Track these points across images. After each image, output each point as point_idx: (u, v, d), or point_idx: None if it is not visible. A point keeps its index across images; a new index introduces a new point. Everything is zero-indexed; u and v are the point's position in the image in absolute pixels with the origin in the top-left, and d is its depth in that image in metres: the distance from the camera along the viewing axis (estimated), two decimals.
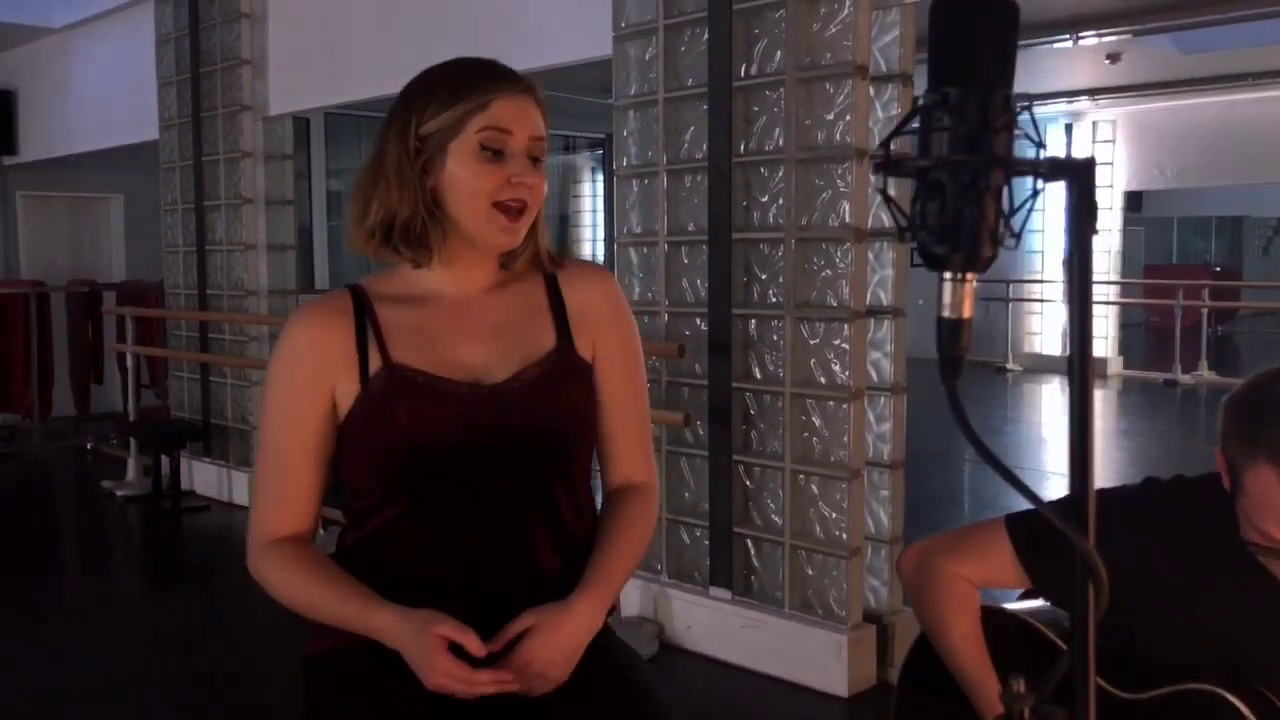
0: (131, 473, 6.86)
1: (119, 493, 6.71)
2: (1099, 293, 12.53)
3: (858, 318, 3.60)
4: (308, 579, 1.42)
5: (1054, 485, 6.01)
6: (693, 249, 3.95)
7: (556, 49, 4.50)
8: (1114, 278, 12.72)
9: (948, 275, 0.72)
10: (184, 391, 6.95)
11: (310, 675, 1.48)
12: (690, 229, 3.96)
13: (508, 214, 1.43)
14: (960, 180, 0.69)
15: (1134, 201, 13.91)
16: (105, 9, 7.60)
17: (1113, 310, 12.36)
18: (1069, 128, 12.41)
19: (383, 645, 1.39)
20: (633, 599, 4.09)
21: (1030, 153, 0.71)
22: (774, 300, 3.76)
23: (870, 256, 3.70)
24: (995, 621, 1.62)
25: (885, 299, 3.70)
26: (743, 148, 3.80)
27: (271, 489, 1.46)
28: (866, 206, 3.61)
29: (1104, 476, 1.58)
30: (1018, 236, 0.70)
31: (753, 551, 3.87)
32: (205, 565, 5.65)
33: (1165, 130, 11.98)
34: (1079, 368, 0.69)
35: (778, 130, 3.70)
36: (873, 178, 0.74)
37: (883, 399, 3.72)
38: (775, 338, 3.77)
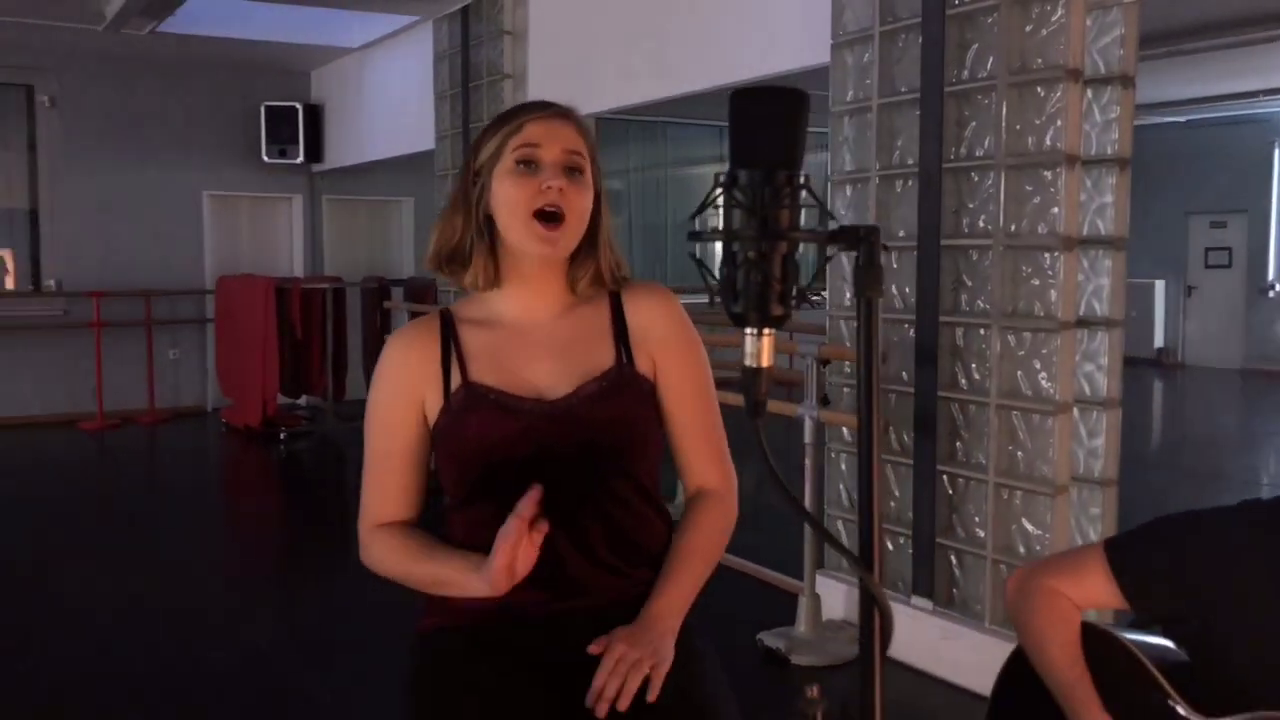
0: None
1: None
2: None
3: (1066, 328, 3.49)
4: (407, 553, 1.61)
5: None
6: (902, 255, 3.94)
7: (781, 57, 4.59)
8: None
9: (749, 331, 0.79)
10: None
11: (416, 649, 1.67)
12: (900, 235, 3.95)
13: (545, 222, 1.55)
14: (747, 251, 0.75)
15: None
16: (394, 29, 8.32)
17: None
18: None
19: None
20: (836, 602, 4.13)
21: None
22: (982, 308, 3.70)
23: (1086, 264, 3.57)
24: (1101, 645, 1.60)
25: (1100, 309, 3.56)
26: (953, 153, 3.75)
27: (375, 487, 1.66)
28: (1078, 213, 3.49)
29: None
30: (807, 299, 0.76)
31: (955, 563, 3.82)
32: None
33: None
34: (864, 410, 0.75)
35: (988, 135, 3.64)
36: (688, 244, 0.77)
37: (1095, 413, 3.58)
38: (982, 346, 3.71)
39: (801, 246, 0.75)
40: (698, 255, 0.77)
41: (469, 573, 1.52)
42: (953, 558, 3.83)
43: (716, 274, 0.77)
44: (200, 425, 9.63)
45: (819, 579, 4.06)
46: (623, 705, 1.43)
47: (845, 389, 4.22)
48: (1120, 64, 3.43)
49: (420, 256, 10.06)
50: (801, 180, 0.77)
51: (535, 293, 1.64)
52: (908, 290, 3.92)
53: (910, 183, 3.90)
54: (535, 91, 6.58)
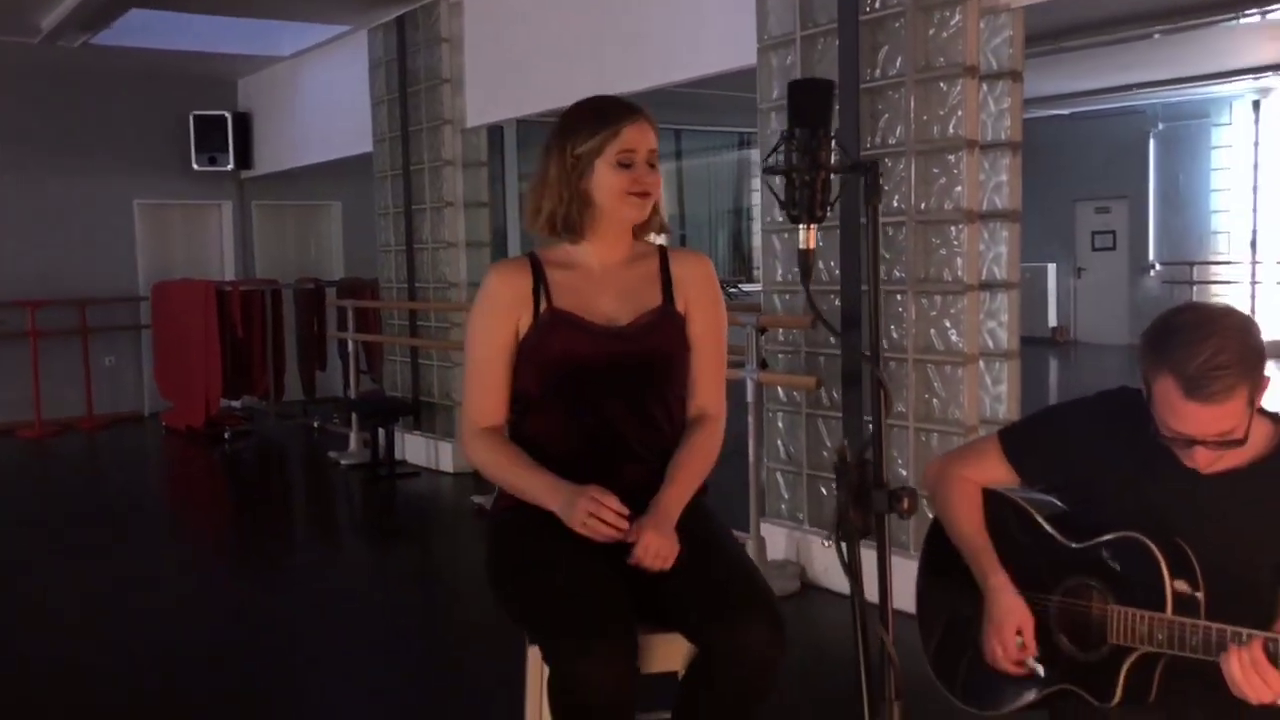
0: (353, 444, 7.85)
1: (342, 462, 7.70)
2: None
3: (971, 290, 4.04)
4: (507, 461, 2.07)
5: None
6: (827, 233, 4.45)
7: (710, 60, 5.09)
8: None
9: (802, 226, 1.26)
10: (397, 373, 7.88)
11: (493, 526, 2.13)
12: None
13: (638, 198, 2.08)
14: (803, 176, 1.23)
15: None
16: (326, 38, 8.62)
17: None
18: (1256, 104, 12.11)
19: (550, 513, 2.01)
20: (778, 544, 4.63)
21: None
22: (898, 276, 4.23)
23: (985, 236, 4.12)
24: (1000, 504, 2.08)
25: (999, 274, 4.11)
26: (869, 142, 4.28)
27: (477, 389, 2.11)
28: (979, 191, 4.04)
29: None
30: (825, 205, 1.23)
31: None
32: (418, 522, 6.51)
33: None
34: (871, 312, 1.21)
35: (899, 126, 4.17)
36: (761, 176, 1.11)
37: (998, 363, 4.13)
38: (900, 310, 4.24)
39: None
40: (769, 184, 1.22)
41: (555, 499, 1.98)
42: None
43: (780, 193, 1.24)
44: (140, 430, 9.80)
45: (763, 525, 4.56)
46: (656, 568, 1.94)
47: (780, 355, 4.72)
48: (1010, 61, 3.99)
49: (357, 258, 10.38)
50: (831, 133, 1.23)
51: (610, 246, 2.14)
52: (833, 264, 4.44)
53: None
54: (474, 95, 6.98)
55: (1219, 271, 12.85)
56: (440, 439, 7.35)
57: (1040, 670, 1.86)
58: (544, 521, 2.00)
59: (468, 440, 2.12)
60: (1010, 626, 1.84)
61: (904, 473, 4.25)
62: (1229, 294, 12.54)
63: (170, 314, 9.48)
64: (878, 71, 4.23)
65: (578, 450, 2.06)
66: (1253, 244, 12.58)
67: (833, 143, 1.22)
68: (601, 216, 2.10)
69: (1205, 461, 1.73)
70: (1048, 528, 1.95)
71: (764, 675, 1.85)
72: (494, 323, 2.10)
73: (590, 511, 1.92)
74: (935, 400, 4.15)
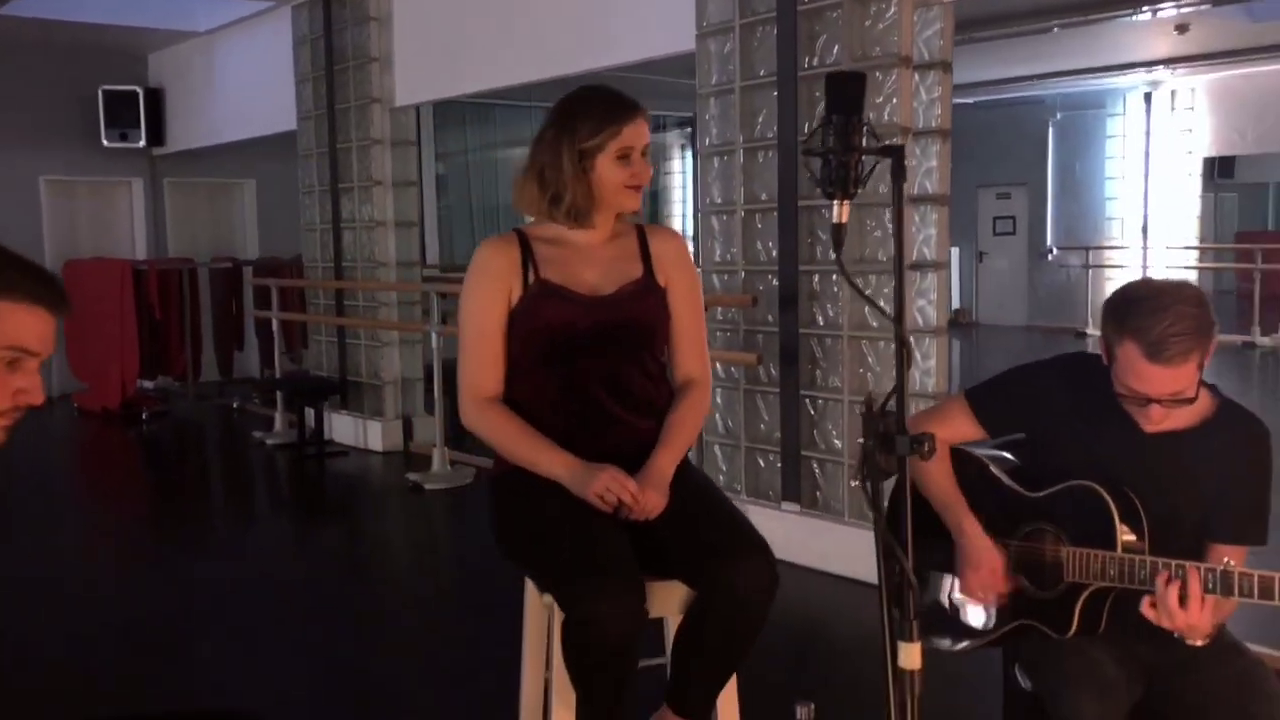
0: (278, 424, 7.82)
1: (268, 442, 7.68)
2: (1181, 258, 12.88)
3: (904, 270, 4.25)
4: (515, 432, 2.18)
5: None
6: (765, 216, 4.64)
7: (648, 45, 5.22)
8: (1196, 243, 12.98)
9: (835, 201, 1.43)
10: (322, 353, 7.87)
11: (496, 488, 2.24)
12: (763, 198, 4.65)
13: (633, 190, 2.24)
14: (840, 157, 1.39)
15: (1225, 168, 14.04)
16: (246, 14, 8.52)
17: (1192, 275, 12.61)
18: (1147, 96, 12.71)
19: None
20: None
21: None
22: (834, 257, 4.42)
23: (916, 219, 4.34)
24: (964, 460, 2.28)
25: (929, 255, 4.35)
26: (807, 128, 4.46)
27: (474, 360, 2.22)
28: (911, 176, 4.25)
29: None
30: (858, 182, 1.40)
31: (817, 471, 4.56)
32: (350, 500, 6.56)
33: (1245, 95, 12.20)
34: (897, 286, 1.38)
35: None
36: (802, 156, 1.24)
37: (927, 339, 4.37)
38: (835, 290, 4.45)
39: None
40: (808, 164, 1.39)
41: (566, 472, 2.11)
42: (815, 467, 4.57)
43: (817, 173, 1.41)
44: (50, 412, 9.57)
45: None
46: (641, 519, 2.10)
47: (719, 333, 4.90)
48: (940, 52, 4.21)
49: (273, 237, 10.27)
50: (865, 121, 1.39)
51: (600, 229, 2.28)
52: (771, 245, 4.63)
53: (770, 154, 4.60)
54: (404, 75, 7.00)
55: (1112, 256, 13.44)
56: (369, 418, 7.38)
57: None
58: (544, 481, 2.13)
59: (469, 410, 2.23)
60: (986, 565, 2.04)
61: (838, 443, 4.47)
62: (1122, 277, 13.13)
63: (83, 293, 9.26)
64: (815, 60, 4.42)
65: (564, 411, 2.19)
66: (1144, 229, 13.20)
67: (864, 128, 1.38)
68: (601, 205, 2.24)
69: (1158, 417, 1.94)
70: (1007, 480, 2.15)
71: (759, 611, 2.01)
72: (489, 295, 2.21)
73: (609, 488, 2.06)
74: (870, 375, 4.37)
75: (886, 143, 1.41)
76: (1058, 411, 2.10)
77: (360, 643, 4.00)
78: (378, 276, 7.26)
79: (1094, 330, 12.93)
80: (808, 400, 4.57)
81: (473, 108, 12.57)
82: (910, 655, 1.39)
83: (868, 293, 4.30)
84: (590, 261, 2.26)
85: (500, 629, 3.96)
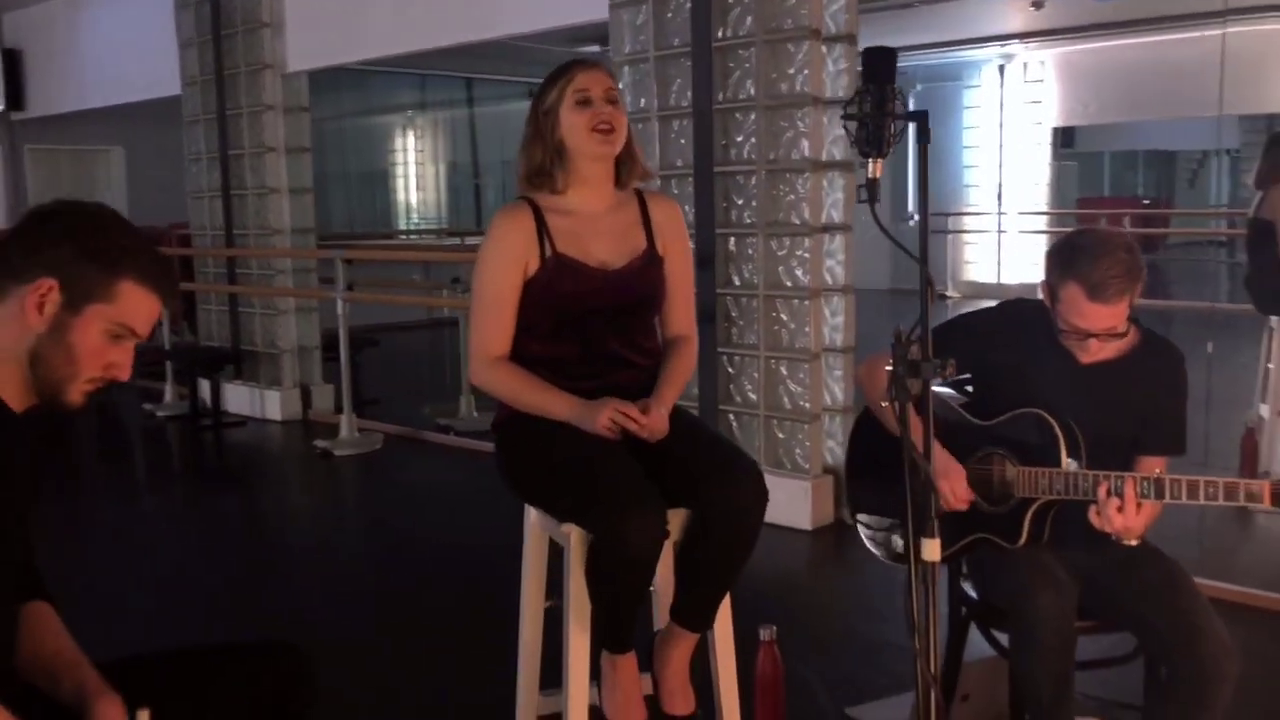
0: (169, 395, 7.69)
1: (160, 413, 7.55)
2: (1032, 223, 13.67)
3: (814, 232, 4.53)
4: (523, 384, 2.33)
5: None
6: (681, 181, 4.84)
7: (559, 13, 5.35)
8: (1045, 209, 13.77)
9: (869, 160, 1.65)
10: (213, 323, 7.76)
11: (504, 435, 2.40)
12: (679, 164, 4.85)
13: (601, 133, 2.34)
14: (874, 122, 1.61)
15: (1066, 137, 14.90)
16: None
17: (1043, 239, 13.39)
18: (1001, 69, 13.40)
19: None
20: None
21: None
22: (749, 221, 4.68)
23: (826, 184, 4.62)
24: None
25: (837, 217, 4.63)
26: (721, 97, 4.68)
27: (490, 323, 2.36)
28: (822, 143, 4.53)
29: None
30: (890, 143, 1.63)
31: (735, 424, 4.82)
32: (252, 470, 6.53)
33: (1089, 69, 12.98)
34: (922, 241, 1.61)
35: (749, 82, 4.59)
36: (842, 121, 1.38)
37: (836, 297, 4.67)
38: (750, 251, 4.69)
39: None
40: (847, 127, 1.61)
41: (573, 410, 2.26)
42: (732, 419, 4.83)
43: (854, 137, 1.62)
44: None
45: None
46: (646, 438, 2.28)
47: None
48: (846, 25, 4.49)
49: (145, 205, 9.97)
50: (896, 91, 1.61)
51: (594, 191, 2.40)
52: (688, 209, 4.83)
53: (686, 122, 4.80)
54: (295, 40, 6.93)
55: (969, 222, 14.15)
56: (266, 387, 7.33)
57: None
58: (548, 423, 2.30)
59: (480, 368, 2.37)
60: (955, 475, 2.30)
61: (754, 396, 4.74)
62: (979, 242, 13.88)
63: None
64: (729, 31, 4.63)
65: (577, 371, 2.35)
66: (998, 196, 13.94)
67: (897, 96, 1.59)
68: (578, 159, 2.35)
69: (1095, 349, 2.23)
70: (960, 410, 2.42)
71: (753, 526, 2.23)
72: (506, 263, 2.34)
73: (612, 417, 2.23)
74: (784, 331, 4.64)
75: (912, 111, 1.62)
76: (1002, 349, 2.38)
77: (311, 607, 4.07)
78: (273, 244, 7.20)
79: (953, 292, 13.64)
80: (724, 357, 4.81)
81: (348, 73, 12.39)
82: (931, 549, 1.62)
83: (780, 254, 4.58)
84: (598, 233, 2.37)
85: (446, 580, 4.13)
